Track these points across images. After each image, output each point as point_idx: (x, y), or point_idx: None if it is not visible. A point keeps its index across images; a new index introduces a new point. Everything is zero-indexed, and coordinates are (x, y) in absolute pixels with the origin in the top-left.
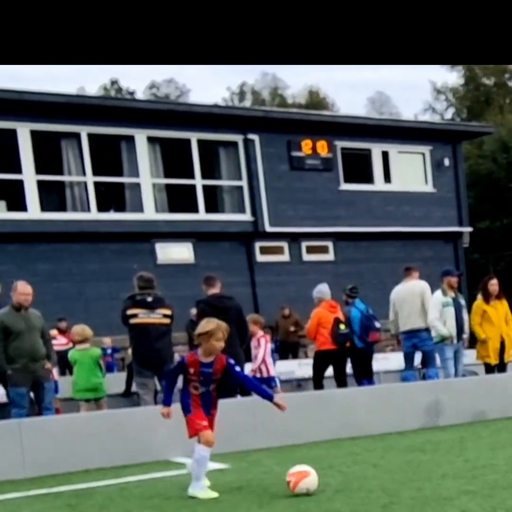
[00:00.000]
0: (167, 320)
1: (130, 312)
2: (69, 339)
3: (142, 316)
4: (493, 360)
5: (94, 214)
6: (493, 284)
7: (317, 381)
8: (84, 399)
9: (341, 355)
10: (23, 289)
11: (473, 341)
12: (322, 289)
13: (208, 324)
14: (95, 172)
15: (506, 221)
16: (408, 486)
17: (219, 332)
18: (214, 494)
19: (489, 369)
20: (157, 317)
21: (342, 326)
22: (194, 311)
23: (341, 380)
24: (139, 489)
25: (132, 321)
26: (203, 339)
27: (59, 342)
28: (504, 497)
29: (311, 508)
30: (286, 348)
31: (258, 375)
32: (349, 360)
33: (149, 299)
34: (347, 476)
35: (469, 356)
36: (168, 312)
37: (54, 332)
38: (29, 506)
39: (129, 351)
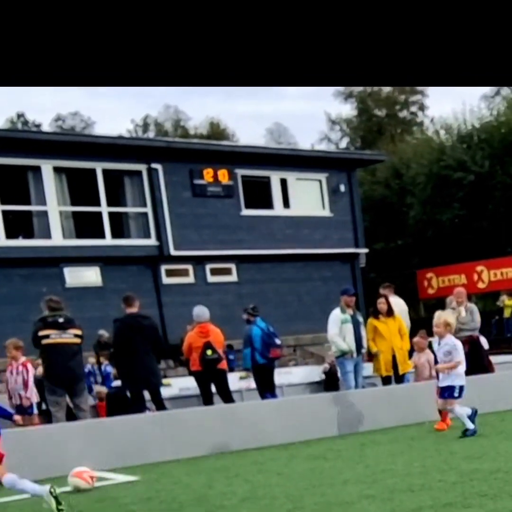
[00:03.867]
0: (78, 340)
1: (42, 333)
2: None
3: (55, 337)
4: (384, 372)
5: (2, 241)
6: (380, 303)
7: (204, 398)
8: None
9: (212, 376)
10: None
11: (372, 355)
12: (197, 312)
13: None
14: (3, 201)
15: (400, 242)
16: (311, 492)
17: None
18: None
19: (385, 381)
20: (69, 337)
21: (208, 352)
22: (101, 332)
23: (224, 396)
24: None
25: (45, 341)
26: None
27: None
28: (402, 499)
29: None
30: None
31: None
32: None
33: (61, 320)
34: (252, 484)
35: (368, 369)
36: (78, 332)
37: None
38: None
39: (39, 370)
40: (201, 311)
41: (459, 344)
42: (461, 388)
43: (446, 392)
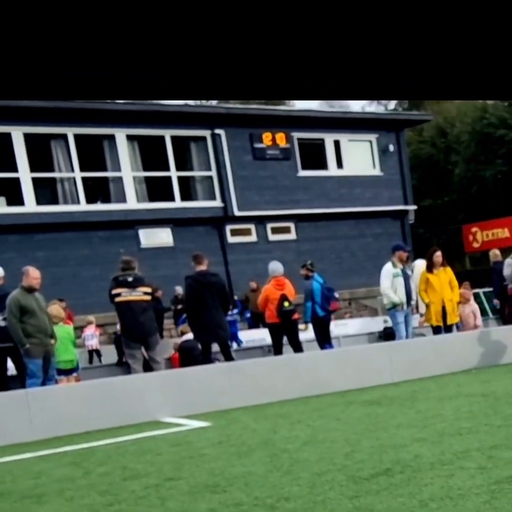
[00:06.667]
0: (147, 297)
1: (114, 291)
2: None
3: (125, 295)
4: (435, 322)
5: (83, 206)
6: (438, 256)
7: (276, 349)
8: (63, 369)
9: (287, 327)
10: (34, 274)
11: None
12: (272, 267)
13: None
14: (82, 168)
15: (446, 198)
16: (367, 436)
17: None
18: None
19: (435, 330)
20: (138, 294)
21: (286, 304)
22: (177, 288)
23: (295, 346)
24: (134, 446)
25: (117, 299)
26: None
27: None
28: (451, 442)
29: (283, 458)
30: (256, 318)
31: None
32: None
33: (130, 279)
34: (313, 429)
35: (417, 320)
36: (148, 289)
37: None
38: (39, 464)
39: (118, 326)
40: (276, 266)
41: None
42: None
43: None
